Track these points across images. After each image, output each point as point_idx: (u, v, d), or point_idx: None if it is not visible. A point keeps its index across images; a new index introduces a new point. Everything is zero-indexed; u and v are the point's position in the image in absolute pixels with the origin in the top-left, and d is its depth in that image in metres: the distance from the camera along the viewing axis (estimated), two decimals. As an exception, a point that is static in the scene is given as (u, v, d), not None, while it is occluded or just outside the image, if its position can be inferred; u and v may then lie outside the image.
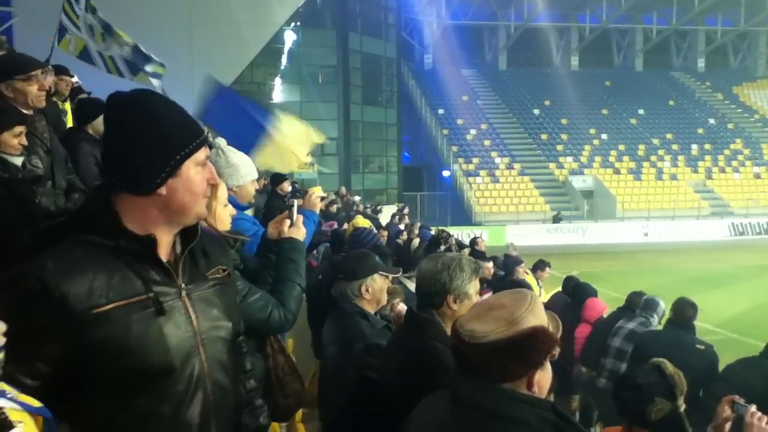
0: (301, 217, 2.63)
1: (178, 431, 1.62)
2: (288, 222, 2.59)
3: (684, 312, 5.31)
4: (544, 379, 1.63)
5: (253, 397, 2.07)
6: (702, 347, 5.02)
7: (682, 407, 2.60)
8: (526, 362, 1.58)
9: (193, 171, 1.63)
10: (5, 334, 1.25)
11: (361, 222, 5.69)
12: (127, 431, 1.56)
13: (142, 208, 1.60)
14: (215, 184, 1.72)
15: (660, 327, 5.70)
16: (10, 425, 1.14)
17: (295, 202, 2.68)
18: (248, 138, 4.13)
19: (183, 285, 1.65)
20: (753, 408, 2.61)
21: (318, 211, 3.65)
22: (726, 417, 2.75)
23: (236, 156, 3.22)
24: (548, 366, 1.65)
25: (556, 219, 30.99)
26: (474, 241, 10.60)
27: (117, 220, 1.57)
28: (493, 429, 1.57)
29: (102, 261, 1.53)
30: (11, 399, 1.20)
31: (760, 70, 47.74)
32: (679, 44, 48.97)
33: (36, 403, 1.27)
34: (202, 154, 1.65)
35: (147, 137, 1.57)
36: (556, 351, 1.65)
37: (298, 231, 2.58)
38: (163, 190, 1.58)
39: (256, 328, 2.33)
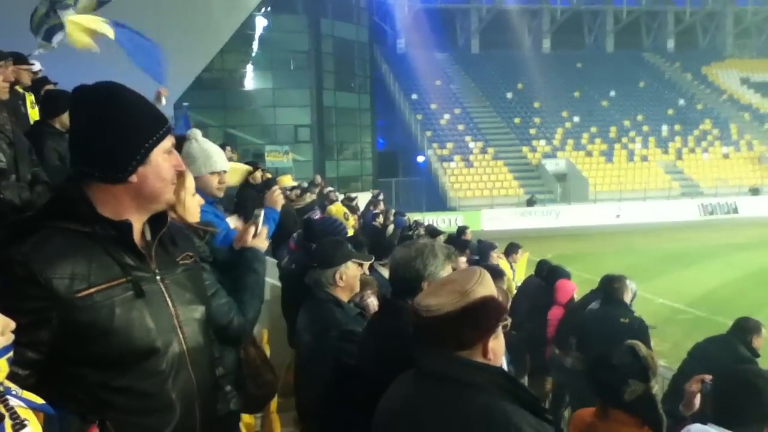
0: (265, 229, 2.62)
1: (162, 410, 1.68)
2: (252, 231, 2.57)
3: (611, 288, 5.56)
4: (497, 346, 1.76)
5: (223, 383, 2.14)
6: (626, 320, 5.22)
7: (655, 388, 2.66)
8: (478, 329, 1.71)
9: (162, 158, 1.69)
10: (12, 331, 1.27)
11: (336, 209, 5.68)
12: (115, 410, 1.60)
13: (115, 196, 1.66)
14: (182, 171, 1.79)
15: (633, 308, 5.80)
16: (22, 425, 1.15)
17: (262, 213, 2.66)
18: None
19: (156, 270, 1.72)
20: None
21: (279, 209, 3.66)
22: (694, 395, 2.83)
23: (201, 146, 3.19)
24: (501, 335, 1.78)
25: (530, 202, 31.22)
26: (462, 231, 10.50)
27: (92, 207, 1.63)
28: (448, 393, 1.69)
29: (80, 247, 1.59)
30: (15, 396, 1.21)
31: (728, 50, 48.41)
32: (650, 25, 49.38)
33: (39, 400, 1.29)
34: (168, 141, 1.72)
35: (118, 126, 1.63)
36: (508, 320, 1.80)
37: (262, 242, 2.57)
38: (134, 178, 1.65)
39: (216, 332, 2.24)
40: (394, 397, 1.89)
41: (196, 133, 3.28)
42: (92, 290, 1.56)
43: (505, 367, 2.28)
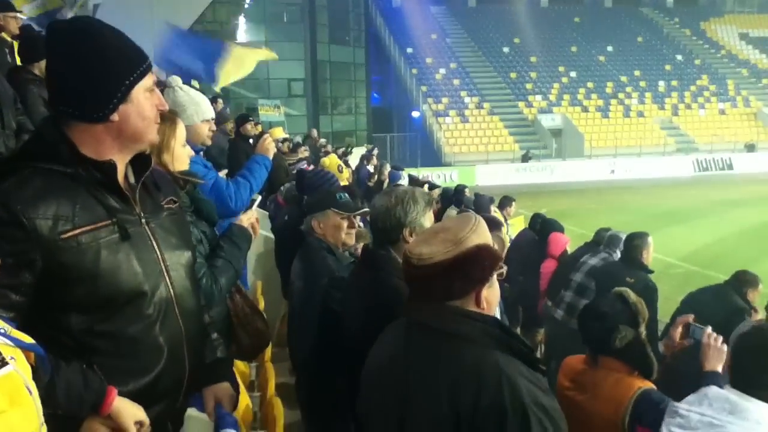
0: (257, 215, 2.62)
1: (150, 354, 1.66)
2: (250, 214, 2.57)
3: (630, 245, 5.45)
4: (491, 295, 1.71)
5: (209, 330, 2.11)
6: (632, 280, 5.08)
7: (644, 334, 2.66)
8: (471, 279, 1.66)
9: (143, 96, 1.63)
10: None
11: (330, 161, 5.62)
12: (100, 355, 1.58)
13: (96, 136, 1.60)
14: (164, 109, 1.71)
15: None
16: (4, 362, 1.14)
17: (258, 198, 2.72)
18: (208, 60, 4.28)
19: (141, 213, 1.68)
20: (709, 329, 2.68)
21: (270, 156, 3.62)
22: (679, 337, 2.84)
23: (186, 95, 3.12)
24: (496, 283, 1.73)
25: (525, 158, 31.10)
26: (461, 189, 9.90)
27: (74, 148, 1.57)
28: (439, 344, 1.65)
29: (63, 188, 1.54)
30: (3, 334, 1.20)
31: (727, 5, 47.74)
32: (649, -21, 48.54)
33: (28, 339, 1.28)
34: (149, 80, 1.65)
35: (96, 64, 1.56)
36: (503, 268, 1.73)
37: (250, 225, 2.56)
38: (115, 117, 1.58)
39: None
40: (383, 350, 1.85)
41: (177, 80, 3.21)
42: (77, 231, 1.51)
43: (498, 316, 2.26)
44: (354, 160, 16.33)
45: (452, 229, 1.70)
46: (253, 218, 2.56)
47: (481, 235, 1.69)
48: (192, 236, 2.15)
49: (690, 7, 47.34)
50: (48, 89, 1.68)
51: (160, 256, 1.69)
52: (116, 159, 1.62)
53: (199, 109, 3.16)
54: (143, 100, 1.62)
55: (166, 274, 1.69)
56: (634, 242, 5.44)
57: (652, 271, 5.46)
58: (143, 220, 1.67)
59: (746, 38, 43.81)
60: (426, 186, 10.30)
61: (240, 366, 3.62)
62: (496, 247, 1.75)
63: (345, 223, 3.31)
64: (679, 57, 41.18)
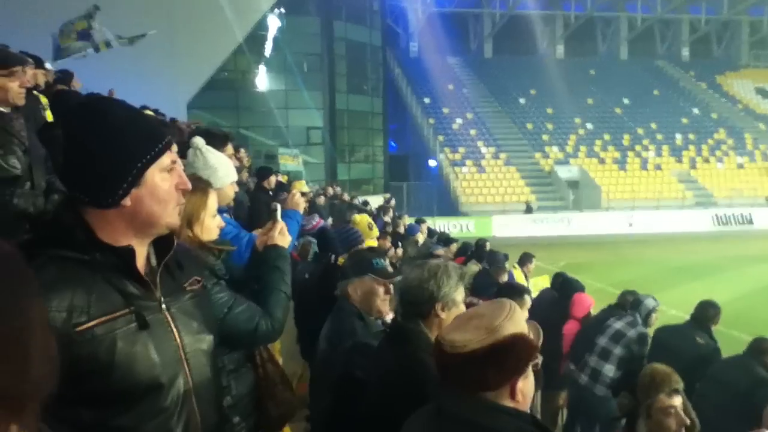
0: (284, 224, 2.54)
1: None
2: (276, 228, 2.49)
3: (704, 311, 5.59)
4: (527, 387, 1.65)
5: (229, 414, 2.05)
6: (702, 341, 5.17)
7: None
8: (506, 370, 1.61)
9: (159, 177, 1.55)
10: None
11: (360, 219, 5.59)
12: None
13: (110, 221, 1.52)
14: (185, 189, 1.62)
15: (642, 325, 5.74)
16: None
17: (278, 207, 2.57)
18: None
19: (162, 298, 1.59)
20: None
21: (301, 211, 3.58)
22: None
23: (215, 156, 3.10)
24: (531, 374, 1.67)
25: (528, 209, 30.90)
26: (481, 245, 9.49)
27: (90, 233, 1.50)
28: None
29: (78, 276, 1.45)
30: None
31: (743, 59, 48.08)
32: (664, 33, 49.13)
33: None
34: (167, 158, 1.57)
35: (104, 146, 1.49)
36: (539, 359, 1.68)
37: (283, 238, 2.49)
38: (127, 201, 1.51)
39: (243, 340, 2.26)
40: None
41: (200, 141, 3.11)
42: (92, 323, 1.43)
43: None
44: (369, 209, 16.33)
45: (486, 316, 1.65)
46: (275, 229, 2.47)
47: (516, 323, 1.64)
48: (227, 298, 2.11)
49: (705, 61, 47.72)
50: (61, 172, 1.61)
51: (179, 343, 1.60)
52: (134, 243, 1.55)
53: (230, 171, 3.15)
54: (159, 182, 1.55)
55: (185, 362, 1.61)
56: (711, 310, 5.60)
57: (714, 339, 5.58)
58: (163, 306, 1.59)
59: (762, 92, 43.94)
60: (436, 237, 10.23)
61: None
62: (531, 335, 1.69)
63: (381, 290, 3.24)
64: (695, 110, 41.28)
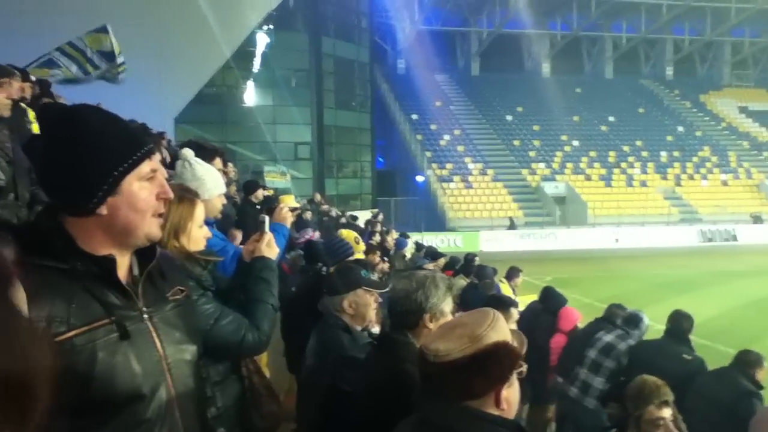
0: (272, 236, 2.53)
1: None
2: (263, 239, 2.48)
3: (679, 324, 5.43)
4: (512, 395, 1.64)
5: (214, 426, 2.01)
6: (689, 357, 5.13)
7: None
8: (490, 378, 1.60)
9: (137, 186, 1.51)
10: None
11: (347, 233, 5.58)
12: None
13: (89, 230, 1.49)
14: (167, 198, 1.59)
15: (633, 340, 5.73)
16: None
17: (267, 218, 2.56)
18: None
19: (144, 308, 1.56)
20: None
21: (289, 225, 3.56)
22: None
23: (203, 168, 3.08)
24: (516, 382, 1.65)
25: (512, 225, 31.03)
26: (470, 259, 9.65)
27: (71, 241, 1.47)
28: None
29: (58, 286, 1.42)
30: None
31: (725, 79, 48.84)
32: (648, 52, 49.86)
33: None
34: (147, 167, 1.53)
35: (81, 153, 1.46)
36: (524, 367, 1.66)
37: (270, 250, 2.47)
38: (103, 210, 1.48)
39: (230, 351, 2.25)
40: None
41: (189, 153, 3.09)
42: (71, 334, 1.40)
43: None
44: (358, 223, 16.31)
45: (470, 325, 1.65)
46: (261, 241, 2.45)
47: (499, 331, 1.63)
48: (214, 309, 2.10)
49: (689, 80, 48.40)
50: (39, 179, 1.59)
51: (162, 354, 1.57)
52: (115, 253, 1.51)
53: (218, 182, 3.13)
54: (137, 191, 1.51)
55: (167, 372, 1.57)
56: (685, 323, 5.45)
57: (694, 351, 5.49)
58: (145, 316, 1.56)
59: (746, 111, 44.62)
60: (423, 252, 10.24)
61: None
62: (515, 343, 1.69)
63: (373, 300, 3.27)
64: (680, 128, 41.80)
